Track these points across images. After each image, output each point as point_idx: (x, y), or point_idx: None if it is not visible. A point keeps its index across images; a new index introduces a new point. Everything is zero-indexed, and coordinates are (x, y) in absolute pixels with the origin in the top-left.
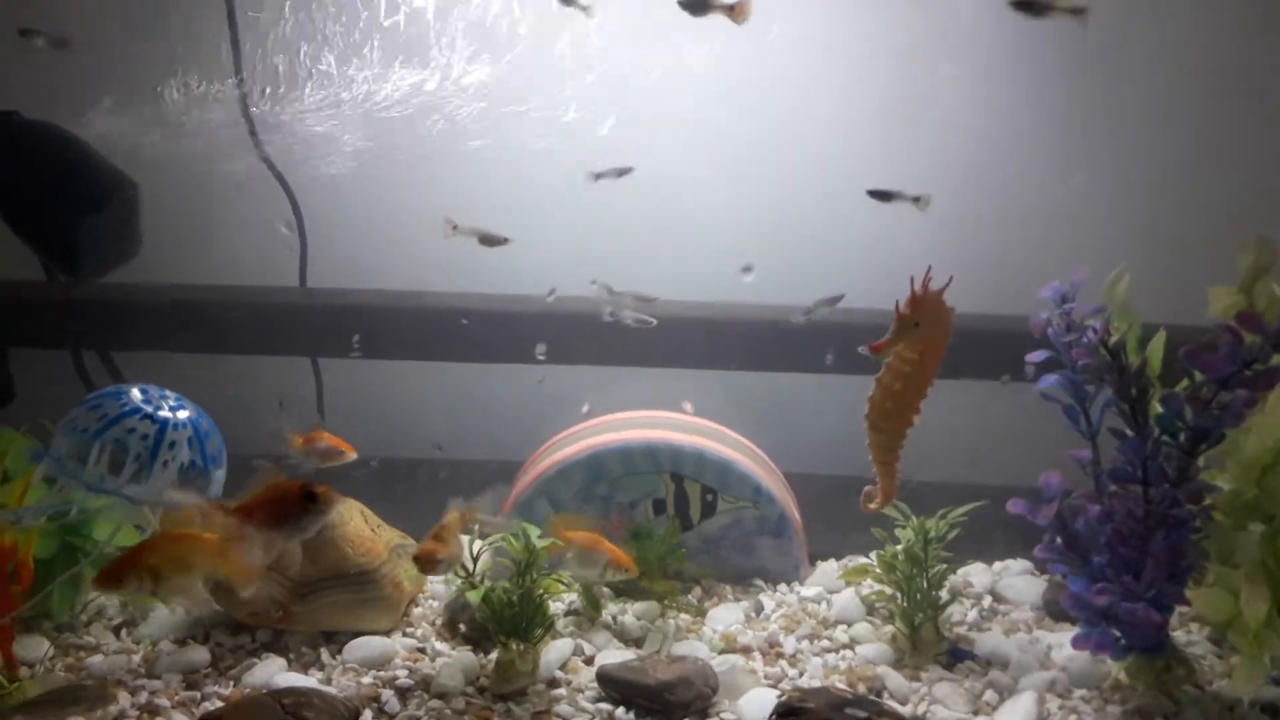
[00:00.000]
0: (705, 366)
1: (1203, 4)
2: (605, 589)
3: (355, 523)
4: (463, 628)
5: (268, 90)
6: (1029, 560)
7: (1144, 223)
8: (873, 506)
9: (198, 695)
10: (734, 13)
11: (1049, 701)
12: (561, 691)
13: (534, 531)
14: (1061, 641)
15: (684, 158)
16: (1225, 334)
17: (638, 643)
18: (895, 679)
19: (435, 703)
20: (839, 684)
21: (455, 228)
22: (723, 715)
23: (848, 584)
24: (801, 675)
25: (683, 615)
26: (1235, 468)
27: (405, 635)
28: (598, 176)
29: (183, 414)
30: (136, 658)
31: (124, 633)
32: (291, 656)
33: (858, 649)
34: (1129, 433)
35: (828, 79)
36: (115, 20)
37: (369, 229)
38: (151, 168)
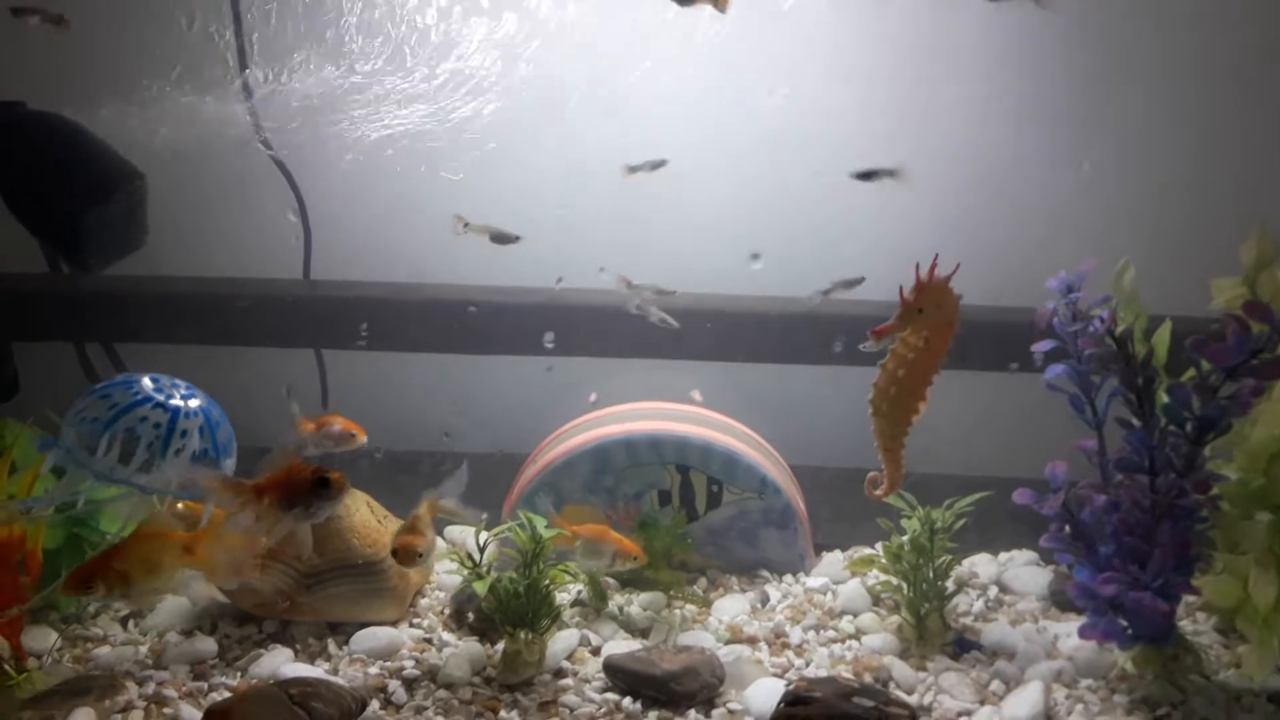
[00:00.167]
0: (712, 358)
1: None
2: (611, 579)
3: (361, 513)
4: (470, 618)
5: (271, 76)
6: (1035, 551)
7: (1150, 215)
8: (878, 493)
9: (205, 686)
10: (718, 3)
11: (1055, 691)
12: (568, 682)
13: (540, 522)
14: (1068, 631)
15: (689, 149)
16: (1233, 323)
17: (644, 633)
18: (901, 669)
19: (442, 693)
20: (845, 674)
21: (466, 225)
22: (729, 705)
23: (853, 575)
24: (808, 665)
25: (688, 606)
26: (1242, 456)
27: (412, 626)
28: (633, 169)
29: (194, 402)
30: (144, 649)
31: (131, 624)
32: (298, 647)
33: (864, 639)
34: (1136, 422)
35: (835, 70)
36: (118, 8)
37: (374, 220)
38: (153, 158)
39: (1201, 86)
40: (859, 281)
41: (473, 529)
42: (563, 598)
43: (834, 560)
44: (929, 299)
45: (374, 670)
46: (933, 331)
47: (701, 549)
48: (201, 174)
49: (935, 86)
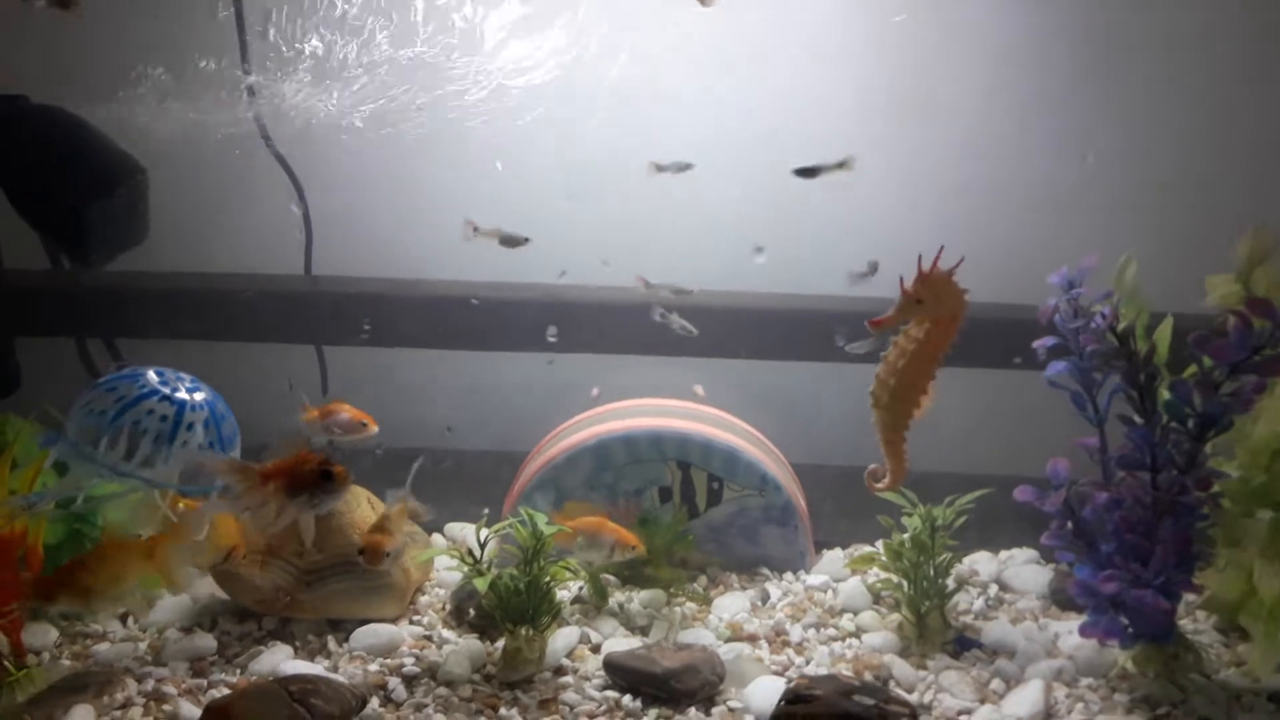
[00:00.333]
0: (713, 355)
1: None
2: (611, 577)
3: (362, 510)
4: (470, 615)
5: (272, 72)
6: (1035, 549)
7: (1153, 211)
8: (879, 486)
9: (204, 683)
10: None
11: (1056, 690)
12: (568, 679)
13: (541, 519)
14: (1068, 630)
15: (691, 145)
16: (1235, 319)
17: (644, 630)
18: (902, 667)
19: (442, 690)
20: (845, 672)
21: (477, 230)
22: (730, 703)
23: (854, 572)
24: (808, 663)
25: (689, 603)
26: (1244, 453)
27: (412, 623)
28: (660, 169)
29: (199, 395)
30: (143, 645)
31: (130, 620)
32: (298, 644)
33: (864, 637)
34: (1137, 419)
35: (838, 66)
36: (121, 1)
37: (374, 216)
38: (154, 153)
39: (1208, 81)
40: (875, 267)
41: (473, 525)
42: (563, 595)
43: (834, 558)
44: (929, 291)
45: (374, 667)
46: (935, 324)
47: (702, 546)
48: (203, 168)
49: (938, 80)
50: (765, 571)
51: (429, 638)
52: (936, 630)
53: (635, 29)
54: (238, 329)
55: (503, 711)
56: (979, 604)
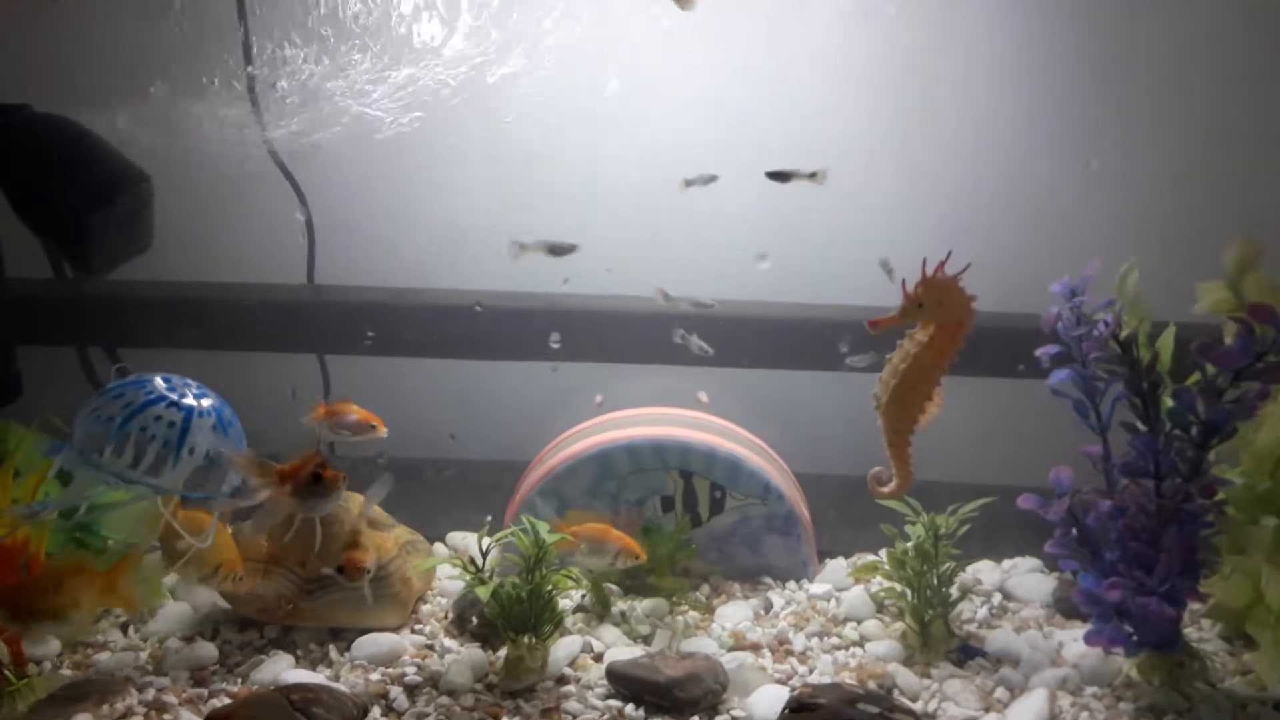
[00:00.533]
0: (717, 364)
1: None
2: (614, 586)
3: None
4: (472, 624)
5: (278, 84)
6: (1038, 558)
7: (1154, 220)
8: (884, 491)
9: (205, 692)
10: (680, 1)
11: (1060, 699)
12: (571, 688)
13: (543, 527)
14: (1072, 638)
15: (692, 153)
16: (1237, 326)
17: (646, 639)
18: (906, 676)
19: (444, 699)
20: (849, 681)
21: (524, 246)
22: (733, 712)
23: (857, 581)
24: (811, 672)
25: (691, 612)
26: (1248, 460)
27: (414, 632)
28: (688, 184)
29: (206, 402)
30: (144, 655)
31: (132, 630)
32: (299, 653)
33: (867, 646)
34: (1141, 427)
35: (840, 76)
36: (123, 10)
37: (377, 225)
38: (157, 162)
39: (1212, 89)
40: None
41: (475, 534)
42: (565, 604)
43: (838, 567)
44: (931, 295)
45: (375, 676)
46: (939, 329)
47: (704, 555)
48: (206, 178)
49: (942, 88)
50: (768, 580)
51: (431, 647)
52: (940, 639)
53: (635, 39)
54: (240, 338)
55: None
56: (983, 613)
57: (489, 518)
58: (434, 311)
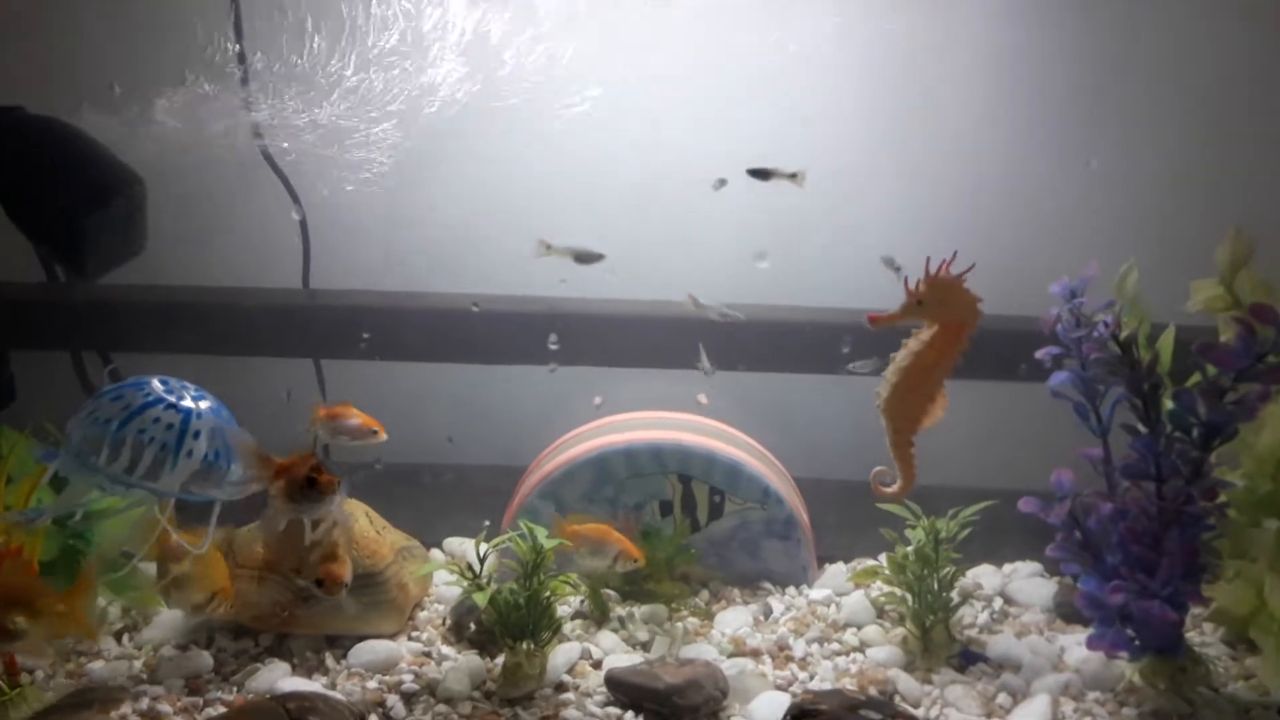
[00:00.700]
0: (716, 367)
1: (1216, 3)
2: (612, 591)
3: (360, 524)
4: (470, 630)
5: (271, 88)
6: (1039, 562)
7: (1153, 220)
8: (887, 492)
9: (200, 701)
10: None
11: (1063, 704)
12: (569, 695)
13: (541, 533)
14: (1074, 643)
15: (696, 158)
16: (1238, 327)
17: (645, 646)
18: (907, 682)
19: (441, 707)
20: (850, 687)
21: (550, 248)
22: (734, 719)
23: (857, 586)
24: (812, 678)
25: (691, 618)
26: (1249, 462)
27: (411, 639)
28: (721, 183)
29: (204, 404)
30: (138, 663)
31: (126, 638)
32: (295, 661)
33: (868, 652)
34: (1142, 429)
35: (840, 77)
36: (119, 12)
37: (373, 229)
38: (151, 164)
39: (1213, 89)
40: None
41: (472, 540)
42: (563, 610)
43: (837, 572)
44: (932, 293)
45: (372, 684)
46: (942, 329)
47: (703, 560)
48: (200, 180)
49: (941, 89)
50: (768, 586)
51: (428, 654)
52: (941, 644)
53: (634, 42)
54: (235, 342)
55: None
56: (984, 618)
57: (486, 523)
58: (431, 315)
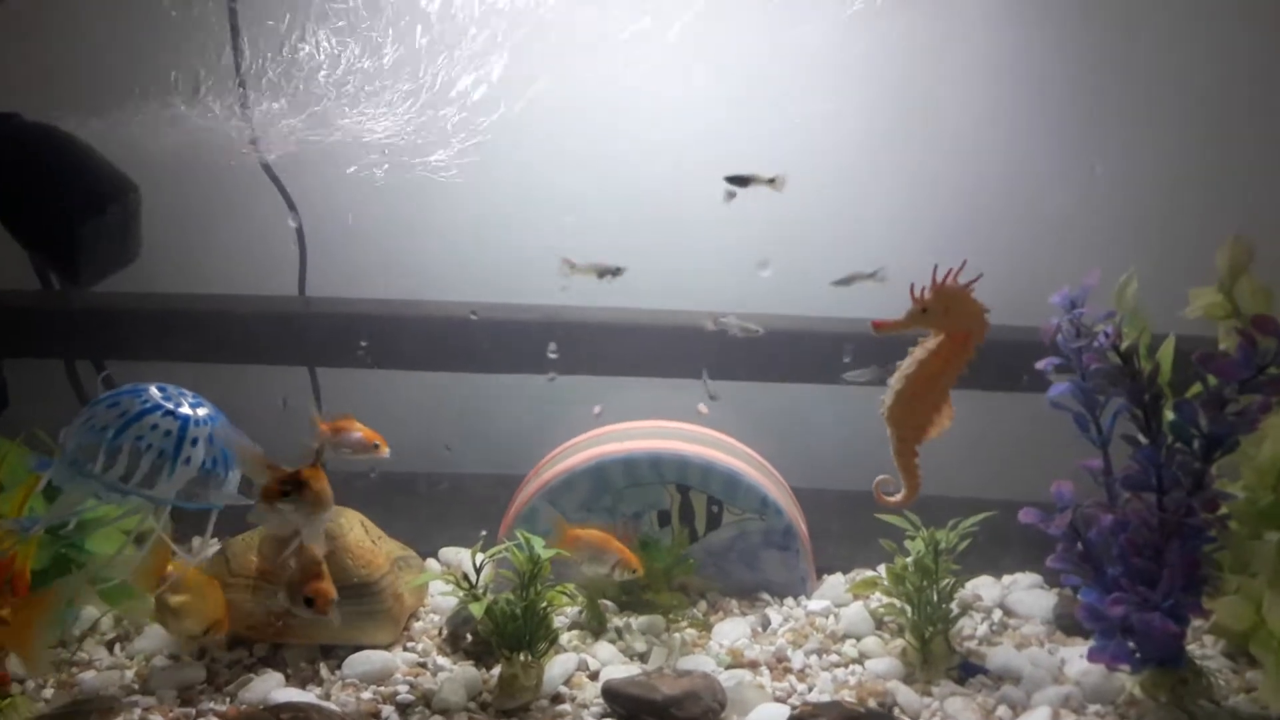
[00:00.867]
0: (714, 377)
1: (1216, 4)
2: (609, 602)
3: (355, 533)
4: (466, 641)
5: (267, 96)
6: (1039, 574)
7: (1153, 222)
8: (890, 500)
9: (193, 712)
10: None
11: (1064, 717)
12: (566, 707)
13: (538, 543)
14: (1075, 655)
15: (694, 168)
16: (1238, 337)
17: (643, 657)
18: (906, 694)
19: (437, 718)
20: (849, 699)
21: (574, 266)
22: None
23: (856, 597)
24: (810, 690)
25: (688, 629)
26: (1250, 474)
27: (406, 649)
28: (731, 195)
29: (201, 411)
30: (130, 674)
31: (118, 648)
32: (289, 671)
33: (867, 663)
34: (1142, 439)
35: (840, 83)
36: (114, 18)
37: (370, 237)
38: (147, 172)
39: (1213, 90)
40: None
41: (468, 550)
42: (560, 620)
43: (836, 583)
44: (938, 302)
45: (367, 695)
46: (946, 338)
47: (701, 570)
48: (196, 188)
49: (941, 95)
50: (766, 596)
51: (423, 664)
52: (941, 656)
53: (632, 45)
54: (230, 350)
55: None
56: (983, 629)
57: (483, 533)
58: (428, 324)
